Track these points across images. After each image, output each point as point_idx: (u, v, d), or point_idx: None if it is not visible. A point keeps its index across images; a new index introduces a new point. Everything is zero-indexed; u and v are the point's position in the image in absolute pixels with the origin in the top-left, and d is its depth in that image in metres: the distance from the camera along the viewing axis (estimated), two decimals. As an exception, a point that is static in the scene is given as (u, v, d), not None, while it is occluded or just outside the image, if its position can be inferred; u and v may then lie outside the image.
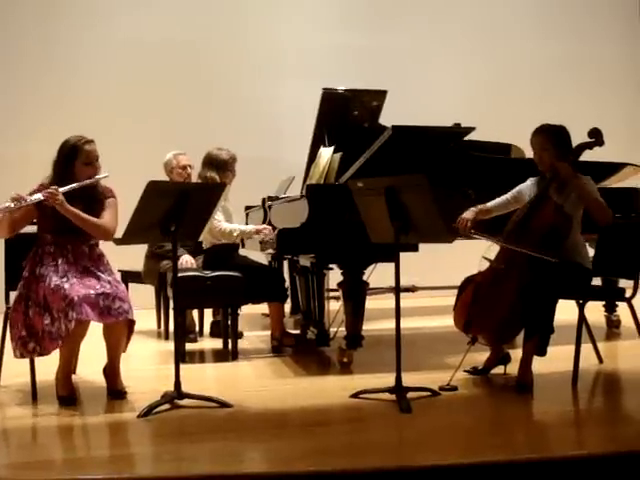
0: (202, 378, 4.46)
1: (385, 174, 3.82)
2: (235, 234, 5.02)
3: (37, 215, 3.89)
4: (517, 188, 4.30)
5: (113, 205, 3.97)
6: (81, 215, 3.83)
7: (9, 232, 3.90)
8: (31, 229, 4.00)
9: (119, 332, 3.84)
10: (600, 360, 4.49)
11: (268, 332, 5.34)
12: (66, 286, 3.72)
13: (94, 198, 3.94)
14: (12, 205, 3.71)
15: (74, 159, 3.88)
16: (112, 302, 3.74)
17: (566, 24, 8.41)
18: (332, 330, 5.25)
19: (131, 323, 3.84)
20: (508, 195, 4.31)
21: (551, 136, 4.13)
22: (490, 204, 4.32)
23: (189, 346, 5.16)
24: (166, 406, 3.65)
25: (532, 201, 4.13)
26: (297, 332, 5.57)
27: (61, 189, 3.79)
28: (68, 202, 3.79)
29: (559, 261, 3.88)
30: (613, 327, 5.68)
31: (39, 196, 3.76)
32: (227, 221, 5.11)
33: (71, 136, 3.94)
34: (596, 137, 4.19)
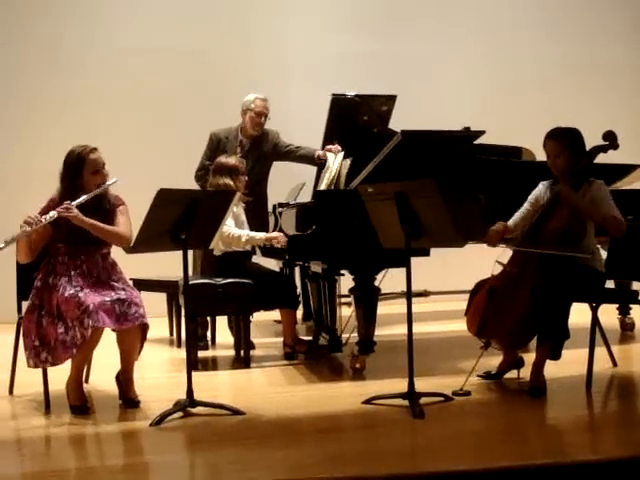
0: (214, 386, 4.45)
1: (395, 179, 3.81)
2: (243, 239, 4.94)
3: (52, 230, 3.87)
4: (532, 196, 4.24)
5: (125, 212, 3.99)
6: (98, 225, 3.84)
7: (30, 255, 3.86)
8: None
9: (133, 338, 3.85)
10: (614, 363, 4.47)
11: (280, 339, 5.33)
12: (81, 295, 3.73)
13: (106, 209, 3.94)
14: (28, 229, 3.70)
15: (81, 169, 3.88)
16: (128, 308, 3.76)
17: (573, 27, 8.36)
18: (344, 336, 5.25)
19: (145, 328, 3.85)
20: (526, 205, 4.23)
21: (564, 140, 4.07)
22: (511, 222, 4.21)
23: (201, 353, 5.17)
24: (179, 414, 3.65)
25: (545, 206, 4.10)
26: (309, 338, 5.55)
27: (74, 203, 3.79)
28: (82, 214, 3.79)
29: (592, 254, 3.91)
30: (627, 330, 5.65)
31: (54, 214, 3.76)
32: (237, 228, 5.09)
33: (74, 146, 3.93)
34: (610, 140, 4.15)
